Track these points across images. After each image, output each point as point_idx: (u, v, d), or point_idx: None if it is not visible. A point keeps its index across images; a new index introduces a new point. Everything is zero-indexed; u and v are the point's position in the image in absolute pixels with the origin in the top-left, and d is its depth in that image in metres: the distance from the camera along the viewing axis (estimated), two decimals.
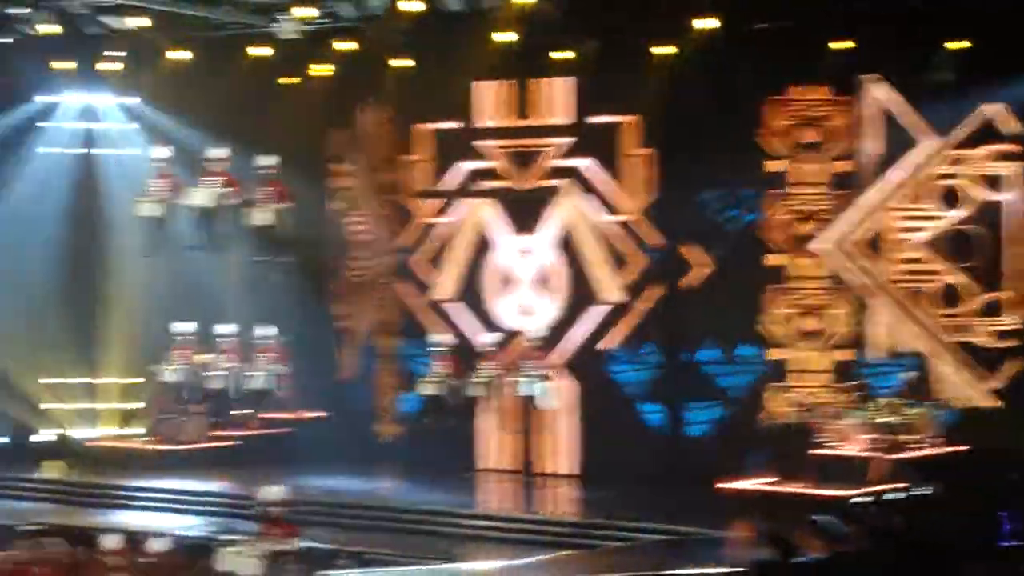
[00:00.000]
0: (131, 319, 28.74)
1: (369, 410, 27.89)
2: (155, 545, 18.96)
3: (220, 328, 27.32)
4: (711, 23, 23.92)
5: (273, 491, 19.79)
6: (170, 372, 27.30)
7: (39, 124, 29.28)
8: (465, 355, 26.07)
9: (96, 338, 29.16)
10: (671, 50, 24.59)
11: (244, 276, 27.89)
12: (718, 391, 25.50)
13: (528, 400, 25.77)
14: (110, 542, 18.91)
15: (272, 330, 27.22)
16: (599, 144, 25.86)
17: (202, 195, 24.81)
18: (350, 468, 26.49)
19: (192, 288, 27.81)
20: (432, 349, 26.22)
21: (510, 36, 25.22)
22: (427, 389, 25.91)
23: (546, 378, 25.46)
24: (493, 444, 26.81)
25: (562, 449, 26.23)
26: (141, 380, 28.83)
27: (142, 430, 28.62)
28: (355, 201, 28.07)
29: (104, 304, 29.05)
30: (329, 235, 28.26)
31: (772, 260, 24.51)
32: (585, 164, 26.01)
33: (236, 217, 25.20)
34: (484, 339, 26.18)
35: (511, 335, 26.38)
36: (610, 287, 25.90)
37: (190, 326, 27.33)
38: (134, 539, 19.16)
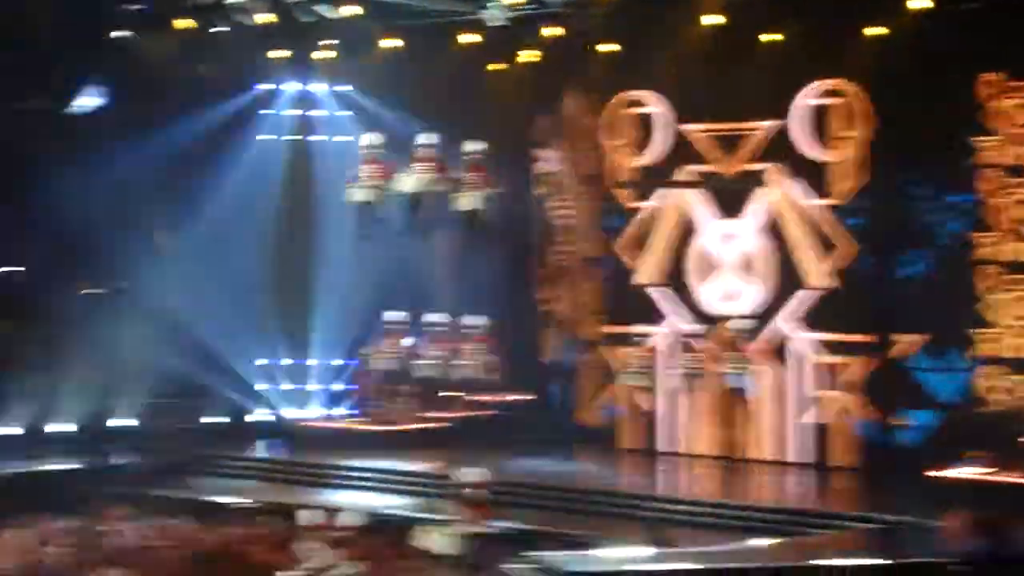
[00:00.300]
0: (341, 302, 29.26)
1: (573, 395, 28.00)
2: (347, 519, 19.34)
3: (429, 316, 27.67)
4: (923, 2, 23.35)
5: (471, 473, 19.97)
6: (380, 359, 27.77)
7: (256, 112, 30.03)
8: (669, 343, 25.98)
9: (307, 321, 29.76)
10: (881, 31, 24.08)
11: (451, 261, 28.22)
12: (930, 380, 24.88)
13: (733, 389, 25.59)
14: (309, 518, 19.41)
15: (480, 319, 27.44)
16: (807, 127, 25.47)
17: (411, 181, 25.10)
18: (553, 451, 26.65)
19: (400, 273, 28.28)
20: (635, 337, 26.20)
21: (717, 19, 25.00)
22: (629, 379, 25.91)
23: (751, 367, 25.23)
24: (695, 429, 26.66)
25: (765, 435, 25.95)
26: (351, 362, 29.37)
27: (351, 411, 29.14)
28: (559, 186, 28.19)
29: (315, 287, 29.63)
30: (534, 220, 28.45)
31: (986, 243, 23.79)
32: (792, 147, 25.65)
33: (444, 203, 25.46)
34: (688, 328, 26.07)
35: (716, 322, 26.20)
36: (817, 272, 25.51)
37: (400, 314, 27.75)
38: (339, 516, 19.56)
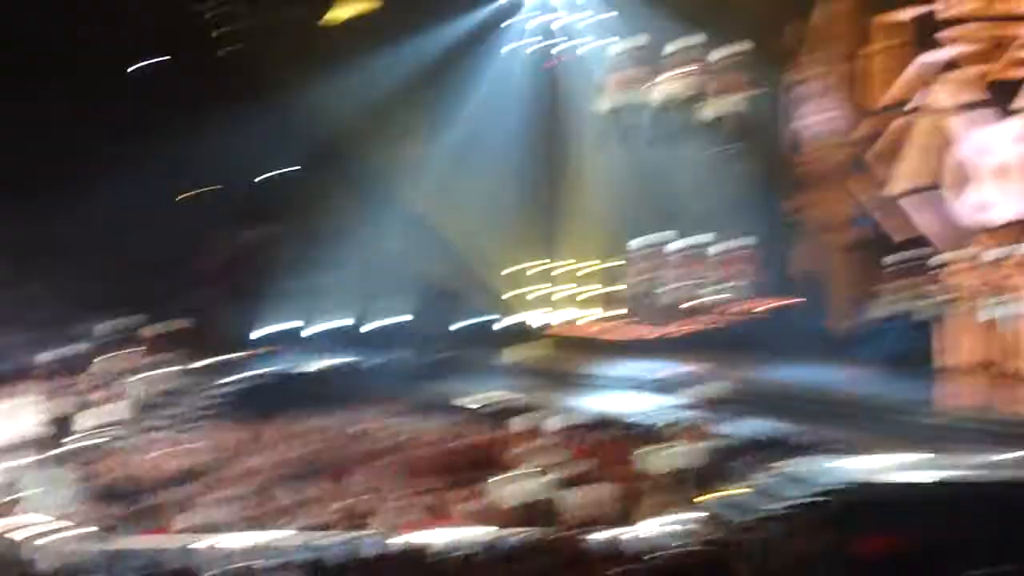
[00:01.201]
0: (591, 209, 29.32)
1: (826, 303, 27.64)
2: (557, 423, 19.61)
3: (678, 242, 27.39)
4: None
5: (708, 387, 19.92)
6: (632, 279, 27.74)
7: (505, 21, 30.15)
8: (925, 263, 25.42)
9: (558, 228, 29.94)
10: None
11: (703, 170, 28.06)
12: None
13: (995, 319, 24.89)
14: (546, 420, 19.80)
15: (730, 241, 27.17)
16: None
17: (664, 87, 24.96)
18: (807, 359, 26.44)
19: (651, 179, 28.20)
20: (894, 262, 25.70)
21: None
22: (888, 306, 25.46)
23: (1012, 298, 24.44)
24: (955, 340, 26.02)
25: None
26: (600, 269, 29.49)
27: (602, 317, 29.27)
28: (814, 93, 27.71)
29: (565, 195, 29.74)
30: (787, 128, 28.06)
31: None
32: None
33: (696, 109, 25.25)
34: (952, 256, 25.41)
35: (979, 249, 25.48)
36: None
37: (652, 238, 27.57)
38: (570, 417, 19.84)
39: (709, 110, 25.08)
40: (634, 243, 27.51)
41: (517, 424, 19.84)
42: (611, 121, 25.77)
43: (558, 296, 30.21)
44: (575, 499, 19.92)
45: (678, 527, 19.12)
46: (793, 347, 26.60)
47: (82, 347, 27.41)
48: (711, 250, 27.60)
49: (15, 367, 25.76)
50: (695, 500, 19.93)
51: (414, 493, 20.06)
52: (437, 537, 17.43)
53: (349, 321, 29.48)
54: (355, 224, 31.25)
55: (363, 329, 29.65)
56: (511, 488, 18.88)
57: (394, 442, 22.71)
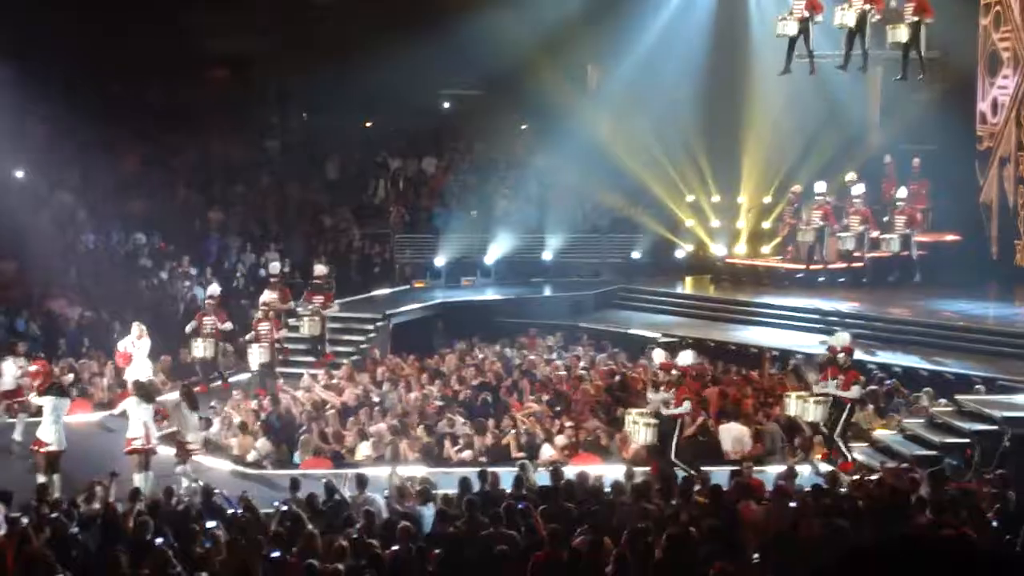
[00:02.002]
0: (770, 138, 28.69)
1: (1009, 233, 26.62)
2: (686, 359, 19.33)
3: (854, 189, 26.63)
4: None
5: (839, 337, 19.44)
6: (807, 216, 27.09)
7: None
8: None
9: (737, 157, 29.39)
10: None
11: (884, 95, 27.21)
12: None
13: None
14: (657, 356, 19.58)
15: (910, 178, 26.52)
16: None
17: (844, 13, 24.12)
18: (985, 294, 25.65)
19: (833, 107, 27.46)
20: None
21: None
22: None
23: None
24: None
25: None
26: (776, 202, 28.92)
27: (775, 250, 28.74)
28: (1003, 16, 26.55)
29: (745, 124, 29.16)
30: (974, 52, 26.95)
31: None
32: None
33: (876, 35, 24.42)
34: None
35: None
36: None
37: (822, 186, 26.85)
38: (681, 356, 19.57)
39: (891, 35, 24.09)
40: (817, 185, 26.71)
41: (687, 358, 19.53)
42: (793, 47, 24.88)
43: (733, 228, 29.68)
44: (736, 434, 19.70)
45: (856, 460, 18.81)
46: (972, 280, 25.78)
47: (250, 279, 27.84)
48: (891, 191, 26.71)
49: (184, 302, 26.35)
50: (866, 434, 19.56)
51: (579, 426, 20.02)
52: (600, 470, 17.37)
53: (524, 250, 29.43)
54: (532, 153, 31.17)
55: (539, 258, 29.58)
56: (673, 423, 18.66)
57: (561, 374, 22.63)
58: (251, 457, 19.89)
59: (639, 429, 18.66)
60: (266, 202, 31.15)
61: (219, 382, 23.25)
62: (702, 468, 17.23)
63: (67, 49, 28.19)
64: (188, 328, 23.27)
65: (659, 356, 19.77)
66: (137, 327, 22.14)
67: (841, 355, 18.97)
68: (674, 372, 18.91)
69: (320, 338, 24.26)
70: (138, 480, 17.53)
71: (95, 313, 25.41)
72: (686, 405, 18.74)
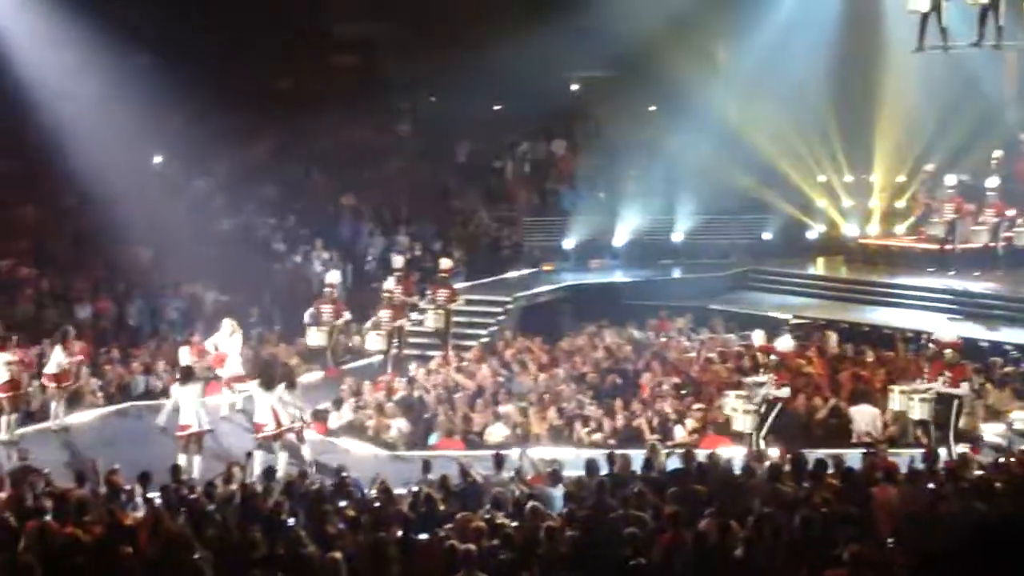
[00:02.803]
0: (903, 116, 28.22)
1: None
2: (785, 344, 19.13)
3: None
4: None
5: (946, 333, 19.09)
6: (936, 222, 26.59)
7: None
8: None
9: (869, 135, 28.97)
10: None
11: (1020, 71, 26.61)
12: None
13: None
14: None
15: None
16: None
17: None
18: None
19: (968, 84, 26.91)
20: None
21: None
22: None
23: None
24: None
25: None
26: (910, 179, 28.47)
27: (909, 230, 28.30)
28: None
29: (877, 101, 28.71)
30: None
31: None
32: None
33: (1015, 11, 23.80)
34: None
35: None
36: None
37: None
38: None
39: None
40: (947, 178, 26.21)
41: (786, 343, 19.44)
42: (925, 22, 24.37)
43: (866, 208, 29.27)
44: (869, 417, 19.48)
45: (990, 441, 18.53)
46: None
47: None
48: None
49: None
50: (1003, 416, 19.23)
51: (709, 408, 19.95)
52: (729, 452, 17.32)
53: (653, 232, 29.38)
54: (661, 133, 31.01)
55: (668, 240, 29.50)
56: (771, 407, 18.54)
57: (691, 356, 22.57)
58: (387, 438, 20.14)
59: (737, 416, 18.56)
60: (396, 186, 31.42)
61: (336, 367, 23.42)
62: (832, 452, 17.03)
63: (202, 39, 28.69)
64: (306, 316, 23.42)
65: (758, 338, 19.64)
66: (229, 323, 21.68)
67: (948, 351, 18.59)
68: (772, 357, 18.76)
69: (445, 332, 24.25)
70: (271, 461, 17.82)
71: (231, 297, 25.86)
72: (784, 391, 18.59)
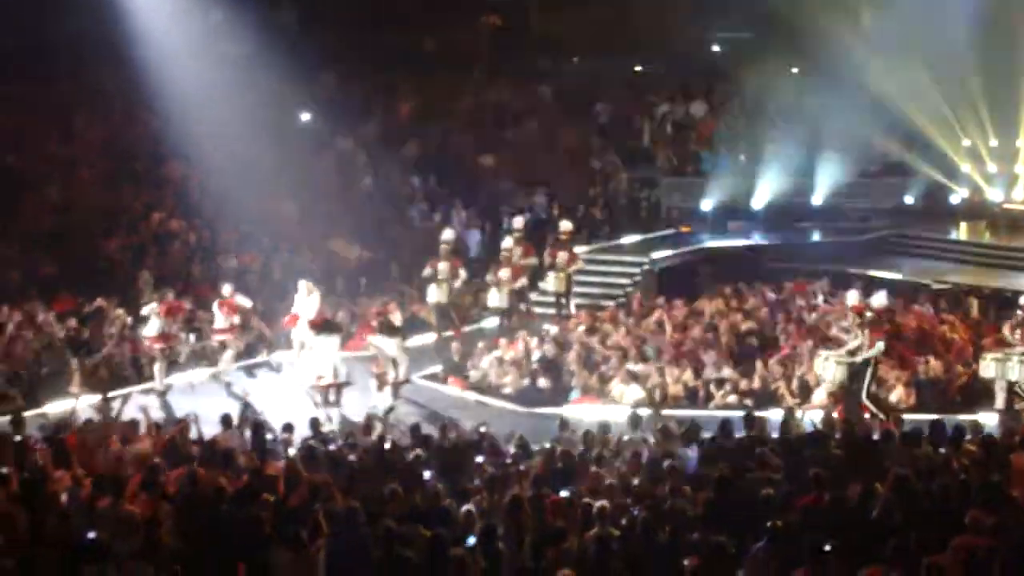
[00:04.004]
0: None
1: None
2: (880, 300, 18.96)
3: None
4: None
5: None
6: None
7: None
8: None
9: (1016, 100, 28.39)
10: None
11: None
12: None
13: None
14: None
15: None
16: None
17: None
18: None
19: None
20: None
21: None
22: None
23: None
24: None
25: None
26: None
27: None
28: None
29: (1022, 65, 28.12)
30: None
31: None
32: None
33: None
34: None
35: None
36: None
37: None
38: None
39: None
40: None
41: (881, 299, 19.30)
42: None
43: (1011, 173, 28.70)
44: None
45: None
46: None
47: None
48: None
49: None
50: None
51: None
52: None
53: (792, 195, 29.16)
54: (802, 96, 30.70)
55: (808, 203, 29.26)
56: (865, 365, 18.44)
57: (828, 320, 22.40)
58: (525, 395, 20.42)
59: (829, 366, 18.49)
60: (536, 147, 31.55)
61: (459, 327, 23.55)
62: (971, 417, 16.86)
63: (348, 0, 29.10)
64: (425, 273, 23.56)
65: (852, 298, 19.52)
66: (305, 285, 21.61)
67: None
68: (868, 314, 18.65)
69: (566, 294, 24.39)
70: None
71: (372, 253, 26.23)
72: (879, 346, 18.47)
